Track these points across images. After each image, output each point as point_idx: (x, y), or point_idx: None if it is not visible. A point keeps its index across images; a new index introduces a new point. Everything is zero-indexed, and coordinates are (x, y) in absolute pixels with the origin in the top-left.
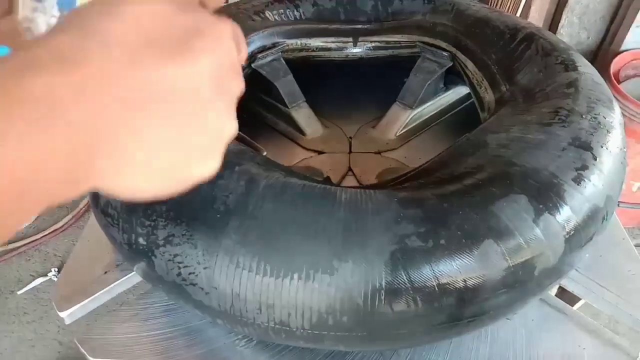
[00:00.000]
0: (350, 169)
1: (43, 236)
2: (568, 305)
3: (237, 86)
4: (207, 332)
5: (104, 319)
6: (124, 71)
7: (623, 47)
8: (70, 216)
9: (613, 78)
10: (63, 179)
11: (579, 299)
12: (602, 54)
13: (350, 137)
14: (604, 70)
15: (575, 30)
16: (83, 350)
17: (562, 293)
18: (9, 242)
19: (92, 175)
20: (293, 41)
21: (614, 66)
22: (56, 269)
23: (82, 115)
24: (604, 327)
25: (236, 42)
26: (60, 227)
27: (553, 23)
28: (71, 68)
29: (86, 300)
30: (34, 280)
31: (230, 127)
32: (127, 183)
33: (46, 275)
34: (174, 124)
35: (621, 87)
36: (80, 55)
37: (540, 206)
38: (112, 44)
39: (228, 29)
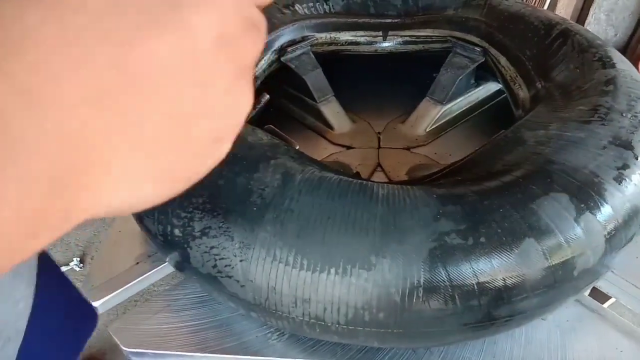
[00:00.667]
0: (379, 165)
1: None
2: (603, 306)
3: (253, 44)
4: (239, 325)
5: (137, 310)
6: (90, 52)
7: None
8: None
9: None
10: (39, 217)
11: (609, 297)
12: (630, 51)
13: (379, 132)
14: None
15: (603, 27)
16: (117, 340)
17: (593, 292)
18: None
19: (79, 199)
20: (322, 35)
21: None
22: (78, 259)
23: (36, 129)
24: (628, 322)
25: None
26: None
27: (580, 19)
28: (11, 59)
29: (119, 290)
30: None
31: (245, 100)
32: (127, 195)
33: (68, 264)
34: (173, 111)
35: None
36: (20, 36)
37: (582, 205)
38: (68, 13)
39: None
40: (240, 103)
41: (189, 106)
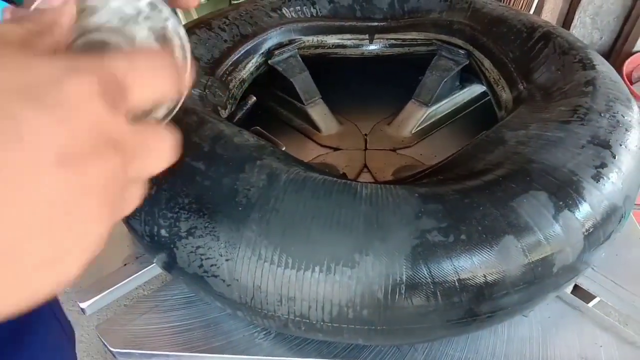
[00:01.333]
0: (365, 166)
1: None
2: (584, 302)
3: (104, 165)
4: (226, 325)
5: (124, 311)
6: None
7: (636, 48)
8: None
9: (626, 79)
10: None
11: (594, 297)
12: (615, 54)
13: (366, 134)
14: (616, 71)
15: (588, 31)
16: (103, 341)
17: (577, 291)
18: None
19: None
20: (309, 38)
21: (627, 67)
22: None
23: None
24: (608, 317)
25: (121, 87)
26: None
27: (565, 23)
28: None
29: (106, 292)
30: None
31: (92, 226)
32: None
33: None
34: None
35: (634, 88)
36: None
37: (560, 203)
38: None
39: (94, 75)
40: (84, 227)
41: (16, 222)
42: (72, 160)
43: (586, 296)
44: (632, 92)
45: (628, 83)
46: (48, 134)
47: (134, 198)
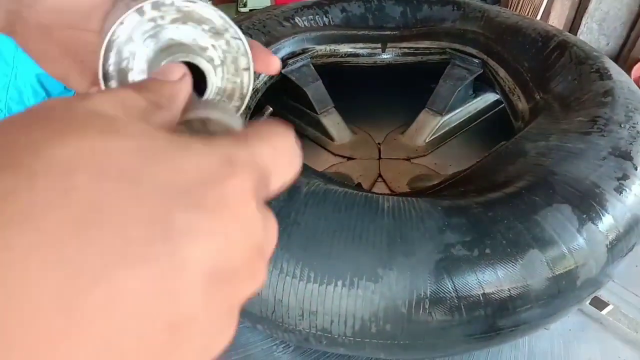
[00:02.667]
0: (380, 175)
1: None
2: (604, 314)
3: (254, 279)
4: (244, 337)
5: None
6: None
7: None
8: None
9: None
10: None
11: (608, 304)
12: (622, 60)
13: (379, 143)
14: None
15: (595, 37)
16: None
17: (592, 299)
18: None
19: None
20: (322, 47)
21: (634, 73)
22: None
23: None
24: (630, 330)
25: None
26: None
27: (572, 29)
28: None
29: None
30: None
31: (226, 333)
32: None
33: None
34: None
35: None
36: None
37: (584, 215)
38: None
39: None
40: (218, 340)
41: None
42: (223, 279)
43: (600, 303)
44: None
45: None
46: (205, 244)
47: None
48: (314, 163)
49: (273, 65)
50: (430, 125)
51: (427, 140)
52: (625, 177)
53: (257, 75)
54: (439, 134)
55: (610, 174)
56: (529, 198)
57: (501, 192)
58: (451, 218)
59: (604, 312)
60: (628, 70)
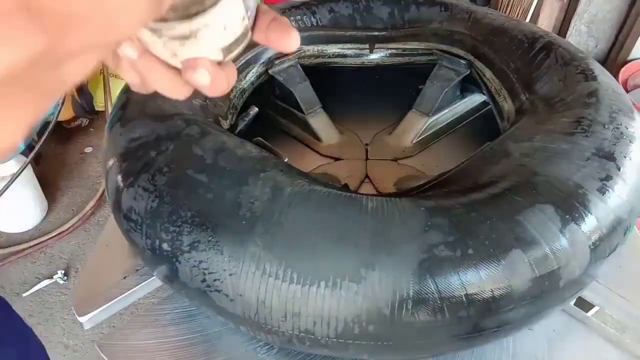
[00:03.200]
0: (367, 176)
1: (48, 238)
2: (588, 315)
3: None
4: (228, 339)
5: (124, 324)
6: None
7: (632, 56)
8: (76, 219)
9: (621, 87)
10: None
11: (593, 306)
12: (610, 62)
13: (367, 144)
14: None
15: (584, 39)
16: (103, 355)
17: (577, 300)
18: (14, 244)
19: None
20: (310, 47)
21: (622, 75)
22: (62, 272)
23: None
24: (614, 331)
25: None
26: (66, 230)
27: (561, 31)
28: None
29: (105, 305)
30: (39, 282)
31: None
32: None
33: (51, 277)
34: None
35: (630, 95)
36: None
37: (567, 216)
38: None
39: None
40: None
41: None
42: None
43: (586, 304)
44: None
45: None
46: None
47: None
48: (300, 163)
49: (292, 41)
50: (417, 126)
51: (414, 141)
52: (608, 177)
53: (244, 76)
54: (426, 134)
55: (593, 174)
56: (512, 198)
57: (484, 192)
58: (434, 218)
59: (589, 313)
60: (616, 72)
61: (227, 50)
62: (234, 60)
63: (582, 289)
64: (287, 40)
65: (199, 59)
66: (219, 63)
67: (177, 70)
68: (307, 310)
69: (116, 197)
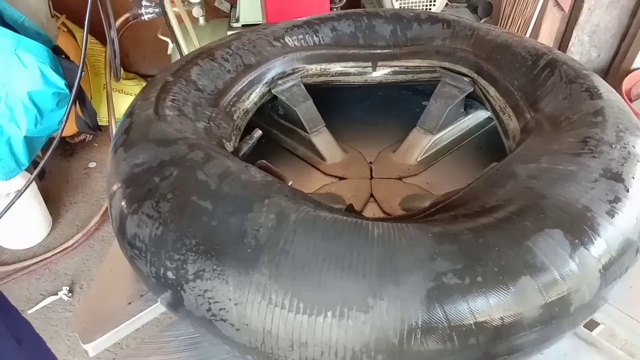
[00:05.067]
0: (372, 195)
1: (53, 255)
2: (598, 337)
3: None
4: None
5: (129, 353)
6: None
7: (634, 65)
8: (80, 234)
9: (625, 96)
10: None
11: (599, 324)
12: (612, 72)
13: (371, 162)
14: (615, 89)
15: (586, 49)
16: None
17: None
18: (18, 261)
19: None
20: (313, 67)
21: (626, 84)
22: (67, 288)
23: None
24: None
25: None
26: (71, 246)
27: (563, 41)
28: None
29: (110, 332)
30: (44, 299)
31: None
32: None
33: (56, 294)
34: None
35: (633, 105)
36: None
37: (576, 240)
38: None
39: None
40: None
41: None
42: None
43: (592, 324)
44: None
45: (627, 101)
46: None
47: None
48: (305, 183)
49: None
50: (421, 144)
51: (418, 159)
52: (617, 199)
53: (247, 96)
54: (431, 152)
55: (601, 196)
56: (519, 223)
57: (492, 217)
58: (442, 245)
59: (595, 331)
60: (619, 82)
61: None
62: None
63: (593, 313)
64: None
65: None
66: None
67: None
68: (314, 340)
69: (120, 223)
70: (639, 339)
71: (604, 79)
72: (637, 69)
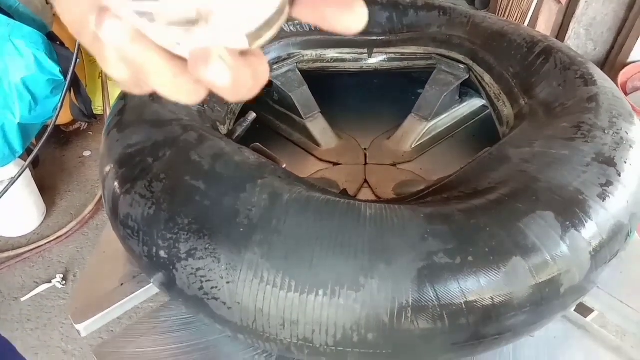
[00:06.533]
0: (366, 181)
1: (47, 243)
2: (589, 321)
3: None
4: (226, 347)
5: (122, 333)
6: None
7: (630, 59)
8: (74, 223)
9: (621, 89)
10: None
11: (593, 311)
12: (609, 65)
13: (365, 149)
14: None
15: (582, 42)
16: None
17: (579, 306)
18: (12, 249)
19: None
20: (308, 52)
21: (622, 78)
22: (60, 276)
23: None
24: (615, 338)
25: None
26: (65, 234)
27: (560, 34)
28: None
29: (103, 313)
30: (37, 287)
31: None
32: None
33: (50, 282)
34: None
35: (629, 98)
36: None
37: (567, 222)
38: None
39: None
40: None
41: None
42: None
43: (586, 310)
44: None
45: (623, 94)
46: None
47: None
48: (299, 168)
49: (356, 18)
50: (416, 131)
51: (413, 146)
52: (608, 183)
53: None
54: (425, 139)
55: (593, 180)
56: (512, 205)
57: (484, 198)
58: (433, 225)
59: (589, 318)
60: (615, 75)
61: (255, 35)
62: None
63: (583, 295)
64: (349, 16)
65: (213, 48)
66: (243, 53)
67: (184, 62)
68: (306, 318)
69: (113, 203)
70: (629, 323)
71: None
72: (633, 62)
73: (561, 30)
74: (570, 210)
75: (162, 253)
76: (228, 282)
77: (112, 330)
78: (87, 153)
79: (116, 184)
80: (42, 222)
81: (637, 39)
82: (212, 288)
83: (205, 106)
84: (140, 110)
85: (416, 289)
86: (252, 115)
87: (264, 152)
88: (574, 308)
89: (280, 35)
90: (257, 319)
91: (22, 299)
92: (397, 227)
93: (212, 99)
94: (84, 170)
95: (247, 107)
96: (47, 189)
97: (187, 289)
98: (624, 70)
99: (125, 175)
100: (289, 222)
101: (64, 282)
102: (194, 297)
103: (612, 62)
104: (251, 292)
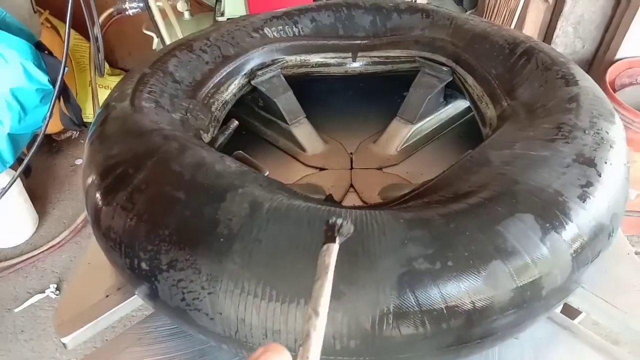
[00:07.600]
0: (352, 186)
1: (40, 252)
2: (574, 322)
3: None
4: (212, 357)
5: (108, 345)
6: None
7: (618, 56)
8: (67, 232)
9: (609, 87)
10: None
11: (580, 313)
12: (597, 62)
13: (351, 153)
14: (599, 79)
15: (570, 40)
16: None
17: (565, 307)
18: (5, 259)
19: None
20: (292, 57)
21: (610, 75)
22: (54, 286)
23: None
24: (604, 339)
25: None
26: (58, 243)
27: (548, 32)
28: None
29: (88, 325)
30: (31, 297)
31: None
32: None
33: (43, 292)
34: None
35: (617, 95)
36: None
37: (547, 225)
38: None
39: None
40: None
41: None
42: None
43: (573, 312)
44: (615, 100)
45: (611, 91)
46: None
47: None
48: (285, 174)
49: None
50: (401, 134)
51: (399, 149)
52: (589, 184)
53: (225, 87)
54: (411, 142)
55: (573, 181)
56: (491, 208)
57: (464, 202)
58: (413, 231)
59: (577, 320)
60: (604, 72)
61: None
62: None
63: (566, 297)
64: None
65: None
66: None
67: None
68: (288, 327)
69: (95, 215)
70: (614, 322)
71: (588, 69)
72: (620, 59)
73: (549, 28)
74: (550, 212)
75: (143, 265)
76: (209, 293)
77: (106, 339)
78: (78, 161)
79: (98, 195)
80: (35, 232)
81: (625, 36)
82: (193, 299)
83: (188, 115)
84: (121, 121)
85: (397, 295)
86: (235, 123)
87: (247, 160)
88: (559, 309)
89: (264, 42)
90: (240, 329)
91: (16, 310)
92: (377, 233)
93: (196, 107)
94: (75, 179)
95: (232, 114)
96: (39, 198)
97: (170, 300)
98: (611, 68)
99: (106, 186)
100: (270, 230)
101: (57, 292)
102: (176, 308)
103: (600, 59)
104: (232, 303)
